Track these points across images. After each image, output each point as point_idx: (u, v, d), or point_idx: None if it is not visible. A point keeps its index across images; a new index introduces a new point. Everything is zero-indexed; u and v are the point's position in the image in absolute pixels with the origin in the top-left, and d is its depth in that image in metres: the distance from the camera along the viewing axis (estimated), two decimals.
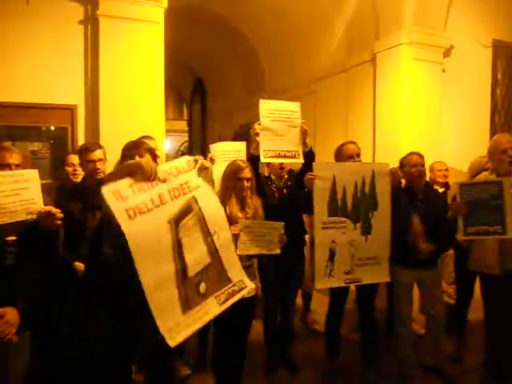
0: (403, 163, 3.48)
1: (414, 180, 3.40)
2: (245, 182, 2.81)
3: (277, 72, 7.48)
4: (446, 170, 4.21)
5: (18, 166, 2.48)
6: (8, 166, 2.41)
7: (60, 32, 3.66)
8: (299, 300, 4.55)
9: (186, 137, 13.95)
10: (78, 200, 2.83)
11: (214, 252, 2.37)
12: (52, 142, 3.77)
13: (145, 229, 2.14)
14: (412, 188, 3.42)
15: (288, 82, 6.89)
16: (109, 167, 3.40)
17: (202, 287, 2.34)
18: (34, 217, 2.04)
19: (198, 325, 2.27)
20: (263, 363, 3.59)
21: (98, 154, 2.94)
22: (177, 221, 2.24)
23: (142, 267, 2.11)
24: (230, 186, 2.83)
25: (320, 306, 3.71)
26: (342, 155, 3.37)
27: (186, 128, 13.32)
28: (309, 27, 6.43)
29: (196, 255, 2.30)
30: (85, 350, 2.71)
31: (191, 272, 2.27)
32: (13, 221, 1.97)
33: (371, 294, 3.49)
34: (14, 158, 2.44)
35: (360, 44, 5.58)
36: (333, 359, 3.53)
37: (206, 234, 2.34)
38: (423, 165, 3.42)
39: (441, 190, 4.05)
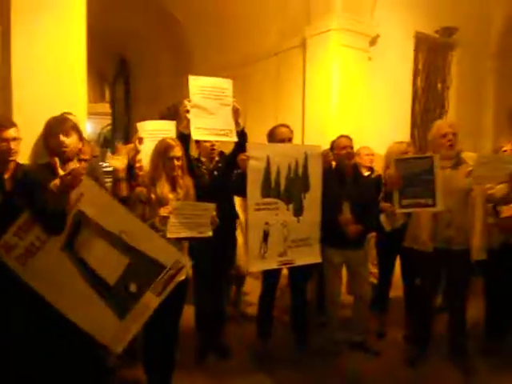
0: (333, 146, 3.56)
1: (343, 162, 3.48)
2: (175, 160, 2.67)
3: (207, 53, 7.29)
4: (372, 154, 4.36)
5: None
6: None
7: None
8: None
9: (108, 120, 13.29)
10: None
11: (128, 250, 2.35)
12: None
13: (41, 268, 2.23)
14: (341, 170, 3.51)
15: (218, 64, 6.72)
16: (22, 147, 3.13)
17: (133, 287, 2.38)
18: None
19: (142, 320, 2.42)
20: (194, 348, 3.49)
21: (12, 132, 2.59)
22: (69, 244, 2.26)
23: (60, 304, 2.22)
24: (160, 166, 2.67)
25: (253, 289, 3.69)
26: (274, 138, 3.36)
27: (109, 110, 12.68)
28: (241, 10, 6.32)
29: (109, 263, 2.32)
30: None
31: (111, 281, 2.32)
32: None
33: (304, 276, 3.54)
34: None
35: (291, 28, 5.58)
36: (264, 341, 3.53)
37: (111, 237, 2.32)
38: (352, 147, 3.52)
39: (366, 173, 4.18)
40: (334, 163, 3.61)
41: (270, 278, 3.49)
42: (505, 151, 3.55)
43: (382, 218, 3.55)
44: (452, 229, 3.20)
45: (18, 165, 2.67)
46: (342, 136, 3.57)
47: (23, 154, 3.15)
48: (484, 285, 3.84)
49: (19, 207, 2.28)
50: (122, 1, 7.27)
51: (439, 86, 6.31)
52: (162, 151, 2.69)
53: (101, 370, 2.87)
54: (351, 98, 5.10)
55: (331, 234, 3.41)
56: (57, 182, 2.16)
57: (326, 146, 3.61)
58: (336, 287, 3.57)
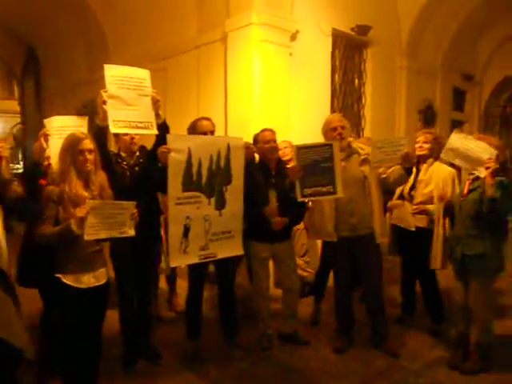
0: (257, 139, 3.55)
1: (267, 155, 3.49)
2: (86, 153, 2.47)
3: (124, 47, 6.97)
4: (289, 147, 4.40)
5: None
6: None
7: None
8: (163, 284, 4.41)
9: (18, 118, 12.34)
10: None
11: None
12: None
13: None
14: (265, 163, 3.51)
15: (136, 58, 6.44)
16: None
17: None
18: None
19: None
20: (120, 356, 3.30)
21: None
22: None
23: None
24: (69, 161, 2.47)
25: (184, 289, 3.60)
26: (196, 131, 3.30)
27: (17, 108, 11.76)
28: (160, 2, 6.11)
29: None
30: None
31: None
32: None
33: (230, 272, 3.49)
34: None
35: (211, 22, 5.48)
36: (195, 340, 3.45)
37: None
38: (275, 141, 3.53)
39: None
40: (257, 156, 3.60)
41: (195, 275, 3.40)
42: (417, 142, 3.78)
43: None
44: (355, 217, 3.35)
45: None
46: (265, 129, 3.57)
47: None
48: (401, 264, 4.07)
49: None
50: None
51: (356, 82, 6.55)
52: (71, 145, 2.49)
53: None
54: (273, 92, 5.13)
55: (257, 228, 3.40)
56: None
57: (249, 139, 3.59)
58: (264, 281, 3.57)
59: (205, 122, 3.31)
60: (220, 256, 3.14)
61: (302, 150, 3.19)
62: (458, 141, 3.12)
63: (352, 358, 3.43)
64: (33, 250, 2.64)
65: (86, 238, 2.34)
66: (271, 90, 5.09)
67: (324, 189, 3.15)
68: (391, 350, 3.44)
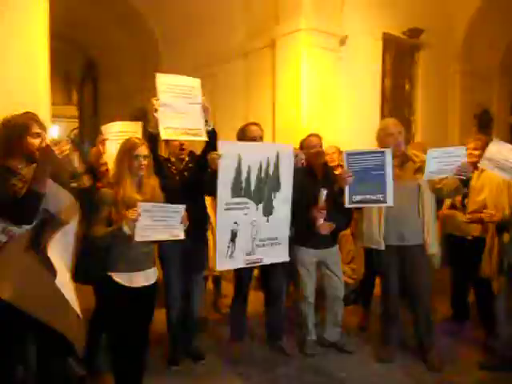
0: (303, 145, 3.55)
1: (313, 160, 3.48)
2: (141, 159, 2.57)
3: (175, 53, 7.19)
4: (341, 153, 4.37)
5: None
6: None
7: None
8: (209, 285, 4.49)
9: (76, 123, 12.94)
10: None
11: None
12: None
13: (6, 274, 2.10)
14: (312, 168, 3.50)
15: (186, 65, 6.64)
16: None
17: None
18: None
19: None
20: (166, 354, 3.40)
21: None
22: (34, 244, 2.18)
23: (30, 308, 2.10)
24: (125, 165, 2.57)
25: (230, 292, 3.66)
26: (245, 136, 3.33)
27: (76, 113, 12.35)
28: (208, 9, 6.25)
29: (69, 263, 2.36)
30: None
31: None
32: None
33: (278, 277, 3.50)
34: None
35: (260, 28, 5.55)
36: (238, 342, 3.49)
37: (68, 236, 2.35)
38: (321, 146, 3.53)
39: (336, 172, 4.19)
40: (305, 163, 3.60)
41: (241, 279, 3.45)
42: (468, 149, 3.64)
43: None
44: (405, 226, 3.25)
45: None
46: (311, 135, 3.57)
47: None
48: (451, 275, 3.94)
49: None
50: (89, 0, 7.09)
51: (407, 86, 6.41)
52: (127, 150, 2.59)
53: (72, 379, 2.78)
54: (321, 98, 5.12)
55: (304, 234, 3.39)
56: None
57: (296, 145, 3.60)
58: (309, 287, 3.55)
59: (254, 127, 3.35)
60: (266, 262, 3.15)
61: (352, 156, 3.15)
62: (496, 150, 2.99)
63: (397, 369, 3.34)
64: (88, 248, 2.77)
65: (137, 239, 2.43)
66: (319, 95, 5.08)
67: (374, 197, 3.09)
68: (434, 364, 3.31)
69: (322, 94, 5.10)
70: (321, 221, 3.32)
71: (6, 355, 2.28)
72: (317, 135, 3.54)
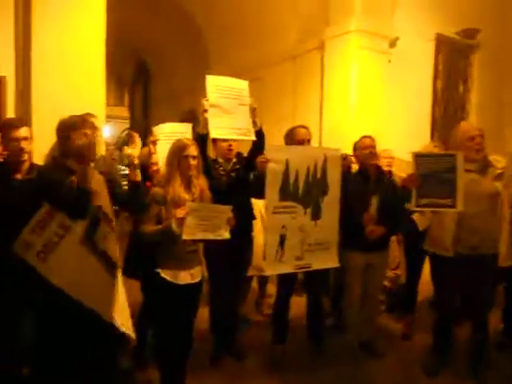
0: (356, 147, 3.50)
1: (366, 162, 3.41)
2: (191, 159, 2.63)
3: (224, 56, 7.31)
4: (392, 158, 4.29)
5: None
6: None
7: None
8: (255, 285, 4.51)
9: (127, 124, 13.41)
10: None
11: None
12: None
13: (61, 263, 2.22)
14: (365, 171, 3.43)
15: (235, 67, 6.74)
16: (38, 146, 3.14)
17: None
18: None
19: None
20: (209, 352, 3.45)
21: (22, 132, 2.55)
22: (89, 237, 2.27)
23: (84, 298, 2.22)
24: (175, 165, 2.65)
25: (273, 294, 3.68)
26: (293, 139, 3.33)
27: (127, 114, 12.80)
28: (258, 12, 6.32)
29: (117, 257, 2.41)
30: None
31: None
32: None
33: (320, 281, 3.48)
34: None
35: (309, 30, 5.55)
36: (280, 345, 3.48)
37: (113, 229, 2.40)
38: (375, 147, 3.45)
39: None
40: (353, 166, 3.56)
41: (284, 282, 3.44)
42: None
43: (416, 216, 3.47)
44: (477, 236, 3.06)
45: (32, 165, 2.67)
46: (365, 136, 3.51)
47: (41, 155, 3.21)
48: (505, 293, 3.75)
49: (32, 206, 2.28)
50: (140, 3, 7.33)
51: (460, 88, 6.20)
52: (177, 150, 2.67)
53: (118, 370, 2.86)
54: (370, 100, 5.04)
55: (354, 237, 3.33)
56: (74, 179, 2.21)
57: (344, 148, 3.56)
58: (356, 291, 3.49)
59: (302, 130, 3.34)
60: (315, 267, 3.13)
61: (420, 158, 3.05)
62: None
63: (444, 382, 3.23)
64: (137, 245, 2.87)
65: (184, 237, 2.50)
66: (368, 97, 5.01)
67: (442, 201, 2.96)
68: (484, 381, 3.16)
69: (370, 96, 5.02)
70: (371, 227, 3.26)
71: (62, 341, 2.41)
72: (370, 137, 3.47)
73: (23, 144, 2.56)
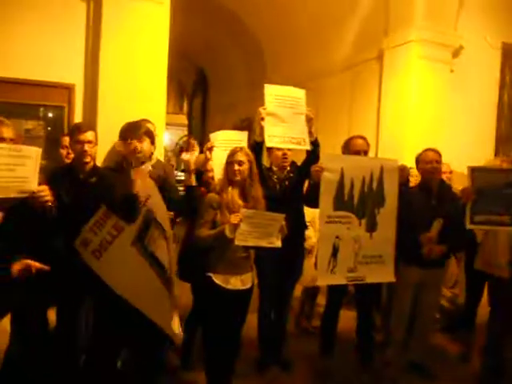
0: (418, 159, 3.37)
1: (427, 177, 3.27)
2: (236, 164, 2.67)
3: (280, 66, 7.38)
4: (450, 172, 4.13)
5: (11, 141, 2.39)
6: (2, 140, 2.33)
7: (62, 8, 3.52)
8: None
9: (185, 131, 13.82)
10: (64, 181, 2.69)
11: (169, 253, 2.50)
12: (48, 121, 3.63)
13: (113, 261, 2.34)
14: (426, 185, 3.29)
15: (291, 77, 6.77)
16: (103, 151, 3.31)
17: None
18: (25, 195, 1.88)
19: None
20: (256, 359, 3.46)
21: (88, 135, 2.72)
22: (140, 239, 2.36)
23: (130, 296, 2.32)
24: (226, 172, 2.72)
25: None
26: (349, 150, 3.27)
27: (186, 122, 13.20)
28: (316, 22, 6.33)
29: (166, 260, 2.44)
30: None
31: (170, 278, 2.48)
32: (1, 196, 1.81)
33: (372, 295, 3.40)
34: (7, 133, 2.39)
35: (367, 40, 5.49)
36: (326, 358, 3.43)
37: (164, 238, 2.45)
38: (439, 162, 3.29)
39: None
40: (411, 179, 3.45)
41: (334, 294, 3.40)
42: None
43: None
44: None
45: (95, 167, 2.84)
46: (429, 149, 3.36)
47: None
48: None
49: (93, 205, 2.42)
50: (201, 14, 7.56)
51: None
52: (227, 157, 2.74)
53: (163, 369, 2.93)
54: (430, 112, 4.89)
55: (410, 251, 3.20)
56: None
57: (402, 160, 3.47)
58: (406, 307, 3.36)
59: (359, 141, 3.29)
60: (369, 280, 3.06)
61: (477, 172, 2.93)
62: None
63: None
64: (191, 248, 2.95)
65: (237, 243, 2.54)
66: (428, 109, 4.87)
67: (499, 218, 2.82)
68: None
69: (431, 108, 4.87)
70: (429, 246, 3.11)
71: (111, 342, 2.53)
72: (435, 150, 3.32)
73: (87, 147, 2.72)
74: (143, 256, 2.35)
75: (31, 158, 1.87)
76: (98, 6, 3.56)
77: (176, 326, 2.58)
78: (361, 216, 2.99)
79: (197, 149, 2.77)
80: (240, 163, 2.68)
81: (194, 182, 2.74)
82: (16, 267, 1.84)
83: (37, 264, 1.88)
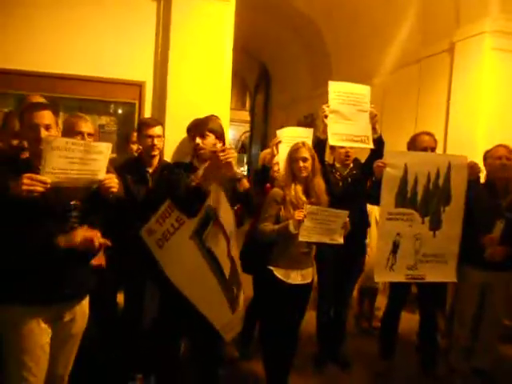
0: (487, 155, 3.22)
1: (495, 174, 3.12)
2: (300, 161, 2.68)
3: (344, 62, 7.26)
4: None
5: (90, 135, 2.57)
6: (81, 134, 2.51)
7: (133, 9, 3.68)
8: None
9: (246, 127, 13.99)
10: (132, 173, 2.85)
11: (230, 254, 2.48)
12: (119, 117, 3.83)
13: (172, 251, 2.44)
14: (493, 183, 3.14)
15: (356, 73, 6.63)
16: (170, 146, 3.46)
17: (234, 290, 2.54)
18: (95, 186, 2.00)
19: (239, 328, 2.59)
20: (313, 355, 3.46)
21: (157, 130, 2.90)
22: (198, 233, 2.41)
23: (184, 286, 2.41)
24: (289, 168, 2.74)
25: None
26: (416, 146, 3.17)
27: (247, 118, 13.36)
28: (381, 16, 6.16)
29: (224, 260, 2.46)
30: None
31: (227, 275, 2.47)
32: (72, 186, 1.93)
33: (436, 297, 3.29)
34: (87, 127, 2.57)
35: (437, 33, 5.25)
36: (386, 360, 3.36)
37: (226, 236, 2.46)
38: (510, 159, 3.11)
39: None
40: (482, 175, 3.28)
41: (395, 294, 3.32)
42: None
43: None
44: None
45: (161, 161, 3.00)
46: (500, 145, 3.19)
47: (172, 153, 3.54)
48: None
49: (160, 197, 2.52)
50: (265, 9, 7.59)
51: None
52: (290, 153, 2.76)
53: (221, 360, 2.98)
54: (504, 107, 4.60)
55: (473, 252, 3.06)
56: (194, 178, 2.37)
57: (472, 157, 3.29)
58: (469, 311, 3.22)
59: (426, 138, 3.18)
60: (429, 279, 2.98)
61: None
62: None
63: None
64: (253, 242, 3.00)
65: (300, 239, 2.56)
66: (502, 104, 4.58)
67: None
68: None
69: (505, 102, 4.58)
70: (492, 249, 2.97)
71: (173, 329, 2.63)
72: (506, 146, 3.16)
73: (156, 141, 2.87)
74: (200, 250, 2.41)
75: (103, 153, 1.96)
76: (167, 6, 3.68)
77: (233, 323, 2.58)
78: (424, 213, 2.91)
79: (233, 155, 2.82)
80: (304, 159, 2.70)
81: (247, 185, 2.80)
82: (80, 233, 1.90)
83: (100, 237, 1.92)
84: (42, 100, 2.59)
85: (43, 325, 1.95)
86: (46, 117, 1.93)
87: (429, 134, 3.22)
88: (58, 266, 1.92)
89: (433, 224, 2.93)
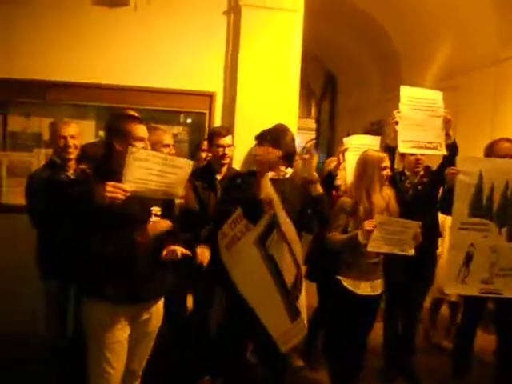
0: None
1: None
2: (386, 170, 2.66)
3: (415, 66, 7.02)
4: None
5: (168, 147, 2.69)
6: (166, 146, 2.65)
7: (206, 22, 3.82)
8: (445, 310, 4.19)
9: (312, 135, 13.93)
10: (202, 180, 2.96)
11: (296, 261, 2.45)
12: (189, 126, 3.98)
13: (238, 257, 2.54)
14: None
15: (427, 78, 6.44)
16: (240, 155, 3.58)
17: (295, 298, 2.45)
18: (170, 198, 2.15)
19: (304, 333, 2.46)
20: (380, 369, 3.37)
21: (227, 139, 3.00)
22: (262, 240, 2.47)
23: (246, 291, 2.48)
24: (375, 177, 2.66)
25: None
26: (493, 154, 3.02)
27: (313, 126, 13.30)
28: (454, 15, 5.89)
29: (288, 269, 2.44)
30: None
31: (289, 284, 2.44)
32: (150, 196, 2.04)
33: None
34: (168, 139, 2.71)
35: None
36: (459, 378, 3.18)
37: (288, 244, 2.44)
38: None
39: None
40: None
41: (469, 310, 3.16)
42: None
43: None
44: None
45: (230, 168, 3.12)
46: None
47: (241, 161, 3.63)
48: None
49: (231, 204, 2.62)
50: (331, 15, 7.53)
51: None
52: (376, 162, 2.68)
53: (285, 367, 2.96)
54: None
55: None
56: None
57: None
58: None
59: (506, 144, 3.01)
60: (506, 295, 2.80)
61: None
62: None
63: None
64: (320, 250, 2.99)
65: (369, 249, 2.52)
66: None
67: None
68: None
69: None
70: None
71: (238, 332, 2.70)
72: None
73: (226, 150, 2.97)
74: (262, 257, 2.46)
75: (183, 169, 2.05)
76: (237, 19, 3.80)
77: (291, 334, 2.50)
78: (501, 224, 2.74)
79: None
80: (385, 168, 2.68)
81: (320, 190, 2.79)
82: (169, 249, 2.08)
83: (183, 249, 2.11)
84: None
85: (124, 322, 2.09)
86: (142, 130, 2.09)
87: (509, 140, 3.05)
88: (142, 270, 2.06)
89: (511, 235, 2.76)
